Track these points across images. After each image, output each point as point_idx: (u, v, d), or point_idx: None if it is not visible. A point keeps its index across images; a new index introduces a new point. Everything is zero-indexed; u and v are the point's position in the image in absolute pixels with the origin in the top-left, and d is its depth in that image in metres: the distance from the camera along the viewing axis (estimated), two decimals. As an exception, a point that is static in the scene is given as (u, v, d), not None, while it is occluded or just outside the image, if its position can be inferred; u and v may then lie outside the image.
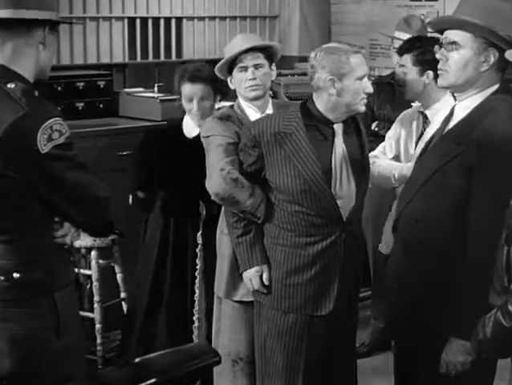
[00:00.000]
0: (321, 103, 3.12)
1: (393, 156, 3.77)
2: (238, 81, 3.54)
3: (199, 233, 3.85)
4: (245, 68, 3.55)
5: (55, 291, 2.54)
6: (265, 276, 3.18)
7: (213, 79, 3.76)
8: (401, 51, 3.75)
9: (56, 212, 2.55)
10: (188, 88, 3.82)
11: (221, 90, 3.88)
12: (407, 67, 3.67)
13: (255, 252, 3.20)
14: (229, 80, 3.59)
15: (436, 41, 2.92)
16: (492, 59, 2.71)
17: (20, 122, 2.37)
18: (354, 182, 3.16)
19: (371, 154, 3.63)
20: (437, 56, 2.79)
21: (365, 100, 3.11)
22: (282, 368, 3.16)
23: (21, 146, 2.38)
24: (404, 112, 3.85)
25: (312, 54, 3.12)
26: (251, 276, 3.20)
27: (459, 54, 2.73)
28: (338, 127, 3.15)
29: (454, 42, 2.74)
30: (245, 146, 3.20)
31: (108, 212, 2.60)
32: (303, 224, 3.11)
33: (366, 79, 3.10)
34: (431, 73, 3.53)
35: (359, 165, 3.20)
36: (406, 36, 4.45)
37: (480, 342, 2.46)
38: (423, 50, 3.60)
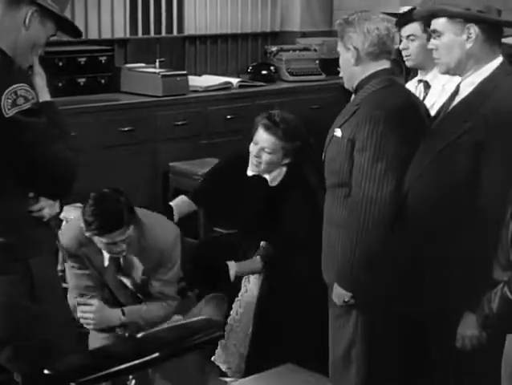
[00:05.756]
0: None
1: None
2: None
3: None
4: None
5: (29, 258, 2.56)
6: None
7: (290, 139, 3.69)
8: (404, 21, 3.75)
9: (25, 183, 2.56)
10: (258, 132, 3.73)
11: (293, 153, 3.74)
12: (415, 35, 3.70)
13: None
14: None
15: None
16: (474, 35, 2.76)
17: None
18: None
19: None
20: (429, 47, 2.89)
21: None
22: None
23: None
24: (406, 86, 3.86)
25: None
26: None
27: (442, 40, 2.80)
28: None
29: (435, 31, 2.82)
30: None
31: (70, 187, 2.65)
32: None
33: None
34: None
35: None
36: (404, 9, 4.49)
37: (486, 317, 2.48)
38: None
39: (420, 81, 3.75)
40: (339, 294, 3.05)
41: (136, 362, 2.12)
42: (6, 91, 2.40)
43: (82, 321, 3.51)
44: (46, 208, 2.66)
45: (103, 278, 3.57)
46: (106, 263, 3.52)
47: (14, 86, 2.41)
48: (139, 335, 2.33)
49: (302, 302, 3.64)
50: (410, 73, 4.27)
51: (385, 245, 2.96)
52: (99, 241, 3.38)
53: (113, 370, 2.07)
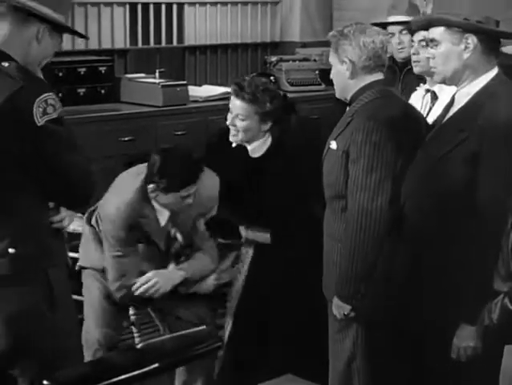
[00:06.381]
0: None
1: None
2: None
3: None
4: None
5: (49, 267, 2.59)
6: None
7: (261, 102, 3.60)
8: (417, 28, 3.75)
9: (47, 193, 2.59)
10: (231, 100, 3.71)
11: (271, 118, 3.65)
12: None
13: None
14: None
15: None
16: (472, 45, 2.76)
17: (17, 95, 2.42)
18: None
19: None
20: (425, 55, 2.88)
21: None
22: None
23: (18, 118, 2.43)
24: (412, 95, 3.86)
25: None
26: None
27: (439, 49, 2.81)
28: None
29: (432, 40, 2.83)
30: None
31: (90, 196, 2.70)
32: None
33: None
34: None
35: None
36: (397, 18, 4.57)
37: (486, 328, 2.48)
38: None
39: (427, 90, 3.74)
40: (338, 307, 3.04)
41: (136, 372, 2.11)
42: (38, 100, 2.44)
43: (151, 292, 3.52)
44: (67, 218, 2.69)
45: (153, 241, 3.57)
46: (163, 223, 3.54)
47: (45, 94, 2.46)
48: (139, 345, 2.33)
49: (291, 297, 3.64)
50: (402, 79, 4.30)
51: (383, 256, 2.96)
52: (170, 198, 3.42)
53: (113, 380, 2.06)
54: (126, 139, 4.82)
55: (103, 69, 5.15)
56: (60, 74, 4.91)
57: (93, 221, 3.65)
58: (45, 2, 2.53)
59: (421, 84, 3.89)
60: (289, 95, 5.76)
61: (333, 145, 3.05)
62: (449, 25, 2.78)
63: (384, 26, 4.62)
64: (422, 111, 3.57)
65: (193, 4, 5.97)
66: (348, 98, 3.11)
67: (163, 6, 5.79)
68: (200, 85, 5.70)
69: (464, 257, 2.73)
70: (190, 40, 5.96)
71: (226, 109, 5.35)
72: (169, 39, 5.84)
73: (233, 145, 3.76)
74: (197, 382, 3.68)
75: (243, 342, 3.69)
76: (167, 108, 5.04)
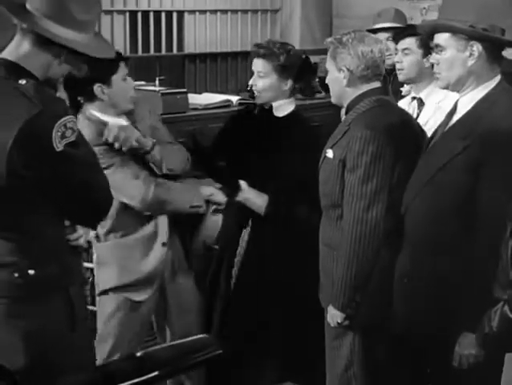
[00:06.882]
0: None
1: None
2: None
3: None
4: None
5: (69, 286, 2.58)
6: None
7: (275, 55, 3.59)
8: (403, 35, 3.81)
9: (67, 213, 2.60)
10: (253, 62, 3.69)
11: (291, 73, 3.61)
12: (410, 49, 3.75)
13: None
14: None
15: None
16: (476, 52, 2.76)
17: (36, 120, 2.37)
18: None
19: None
20: (430, 60, 2.89)
21: None
22: None
23: (36, 144, 2.39)
24: (400, 102, 3.88)
25: None
26: None
27: (444, 55, 2.81)
28: None
29: (438, 45, 2.83)
30: None
31: (107, 213, 2.70)
32: None
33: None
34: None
35: None
36: (383, 25, 4.78)
37: (486, 336, 2.48)
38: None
39: (413, 98, 3.78)
40: (332, 315, 3.04)
41: (136, 380, 2.11)
42: (57, 124, 2.38)
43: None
44: (84, 236, 2.68)
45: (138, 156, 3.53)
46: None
47: (64, 118, 2.41)
48: (139, 353, 2.33)
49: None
50: (392, 82, 4.34)
51: (381, 265, 2.95)
52: (115, 86, 3.54)
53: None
54: (126, 146, 4.81)
55: (103, 77, 5.14)
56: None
57: None
58: (68, 25, 2.48)
59: (405, 85, 3.95)
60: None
61: (329, 154, 3.05)
62: (454, 31, 2.78)
63: (372, 32, 4.68)
64: None
65: (193, 12, 5.99)
66: (345, 105, 3.12)
67: (163, 14, 5.81)
68: (200, 93, 5.71)
69: (465, 264, 2.73)
70: (190, 48, 5.97)
71: (226, 117, 5.37)
72: (169, 47, 5.85)
73: (256, 111, 3.76)
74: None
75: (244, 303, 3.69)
76: (167, 116, 5.03)
